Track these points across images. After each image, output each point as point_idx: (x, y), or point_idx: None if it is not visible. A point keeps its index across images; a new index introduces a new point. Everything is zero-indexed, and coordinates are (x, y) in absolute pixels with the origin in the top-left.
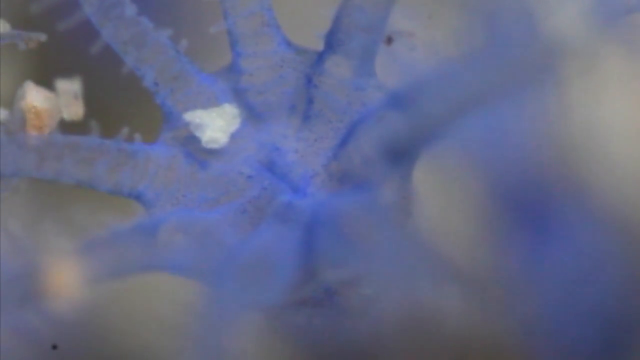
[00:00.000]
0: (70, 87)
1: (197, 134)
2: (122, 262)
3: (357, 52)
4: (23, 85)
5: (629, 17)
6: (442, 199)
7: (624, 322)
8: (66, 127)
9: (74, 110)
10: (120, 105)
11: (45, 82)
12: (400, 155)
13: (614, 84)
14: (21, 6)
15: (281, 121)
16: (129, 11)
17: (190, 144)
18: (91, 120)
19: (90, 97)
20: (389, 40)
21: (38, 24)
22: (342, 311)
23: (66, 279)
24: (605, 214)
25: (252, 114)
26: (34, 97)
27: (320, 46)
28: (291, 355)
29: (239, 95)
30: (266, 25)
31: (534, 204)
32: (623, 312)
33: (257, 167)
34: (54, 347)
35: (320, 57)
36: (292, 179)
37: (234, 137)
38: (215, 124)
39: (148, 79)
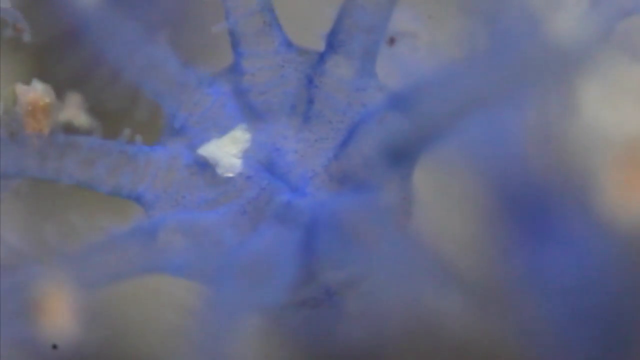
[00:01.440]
0: (75, 98)
1: (212, 164)
2: (122, 264)
3: (358, 52)
4: (15, 87)
5: (628, 20)
6: (442, 201)
7: (625, 327)
8: (67, 127)
9: (77, 119)
10: (122, 106)
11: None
12: (401, 156)
13: (615, 86)
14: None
15: (282, 121)
16: (148, 48)
17: (192, 147)
18: (93, 121)
19: (91, 99)
20: (392, 41)
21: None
22: (342, 312)
23: (65, 284)
24: (606, 217)
25: (253, 114)
26: (27, 98)
27: (321, 46)
28: (291, 356)
29: (240, 96)
30: (268, 25)
31: (534, 207)
32: (623, 317)
33: (256, 167)
34: (54, 347)
35: (321, 57)
36: (291, 179)
37: None
38: (229, 152)
39: (169, 108)
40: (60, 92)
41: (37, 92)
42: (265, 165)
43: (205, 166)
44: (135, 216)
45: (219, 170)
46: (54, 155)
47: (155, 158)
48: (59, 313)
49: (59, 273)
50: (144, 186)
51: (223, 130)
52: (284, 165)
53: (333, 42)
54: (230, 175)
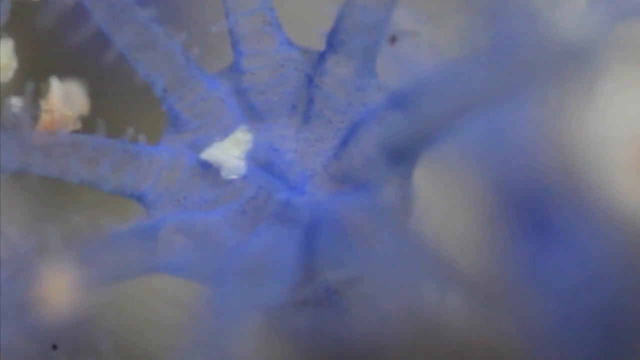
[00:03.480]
0: (75, 86)
1: (216, 167)
2: (123, 264)
3: (358, 52)
4: (48, 82)
5: (629, 21)
6: (443, 200)
7: (625, 329)
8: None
9: (79, 107)
10: (126, 105)
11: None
12: (401, 156)
13: (617, 86)
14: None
15: (281, 121)
16: (140, 18)
17: (194, 146)
18: (97, 119)
19: (96, 97)
20: (393, 40)
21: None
22: (342, 311)
23: (66, 283)
24: (607, 218)
25: (253, 114)
26: (56, 98)
27: (321, 46)
28: (291, 356)
29: (240, 95)
30: (268, 24)
31: (536, 206)
32: (624, 319)
33: (252, 166)
34: (54, 347)
35: (321, 56)
36: (290, 178)
37: None
38: (233, 155)
39: (157, 87)
40: (65, 84)
41: (69, 93)
42: (262, 164)
43: (208, 167)
44: (135, 216)
45: (223, 173)
46: (58, 153)
47: (158, 157)
48: (59, 313)
49: (60, 273)
50: (147, 186)
51: (223, 129)
52: (282, 164)
53: (333, 41)
54: (234, 177)
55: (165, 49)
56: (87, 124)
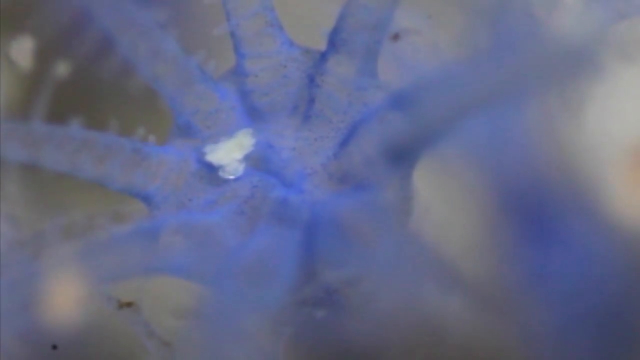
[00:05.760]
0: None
1: (217, 168)
2: (124, 264)
3: (360, 51)
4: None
5: (629, 21)
6: (443, 201)
7: (627, 330)
8: (85, 122)
9: None
10: (135, 105)
11: None
12: (402, 156)
13: (617, 87)
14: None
15: (283, 121)
16: (157, 36)
17: (199, 149)
18: (109, 118)
19: (106, 96)
20: (396, 37)
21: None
22: (342, 311)
23: (67, 282)
24: (609, 220)
25: (256, 115)
26: None
27: (323, 45)
28: (292, 356)
29: (244, 98)
30: (269, 25)
31: (537, 208)
32: (625, 320)
33: (246, 165)
34: (54, 347)
35: (323, 56)
36: (286, 175)
37: None
38: (234, 156)
39: (175, 101)
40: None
41: None
42: (258, 161)
43: (212, 169)
44: (137, 216)
45: (222, 173)
46: (70, 149)
47: (167, 159)
48: (59, 313)
49: (60, 272)
50: (155, 186)
51: (229, 132)
52: (279, 161)
53: (335, 40)
54: (232, 177)
55: (182, 66)
56: (99, 123)
